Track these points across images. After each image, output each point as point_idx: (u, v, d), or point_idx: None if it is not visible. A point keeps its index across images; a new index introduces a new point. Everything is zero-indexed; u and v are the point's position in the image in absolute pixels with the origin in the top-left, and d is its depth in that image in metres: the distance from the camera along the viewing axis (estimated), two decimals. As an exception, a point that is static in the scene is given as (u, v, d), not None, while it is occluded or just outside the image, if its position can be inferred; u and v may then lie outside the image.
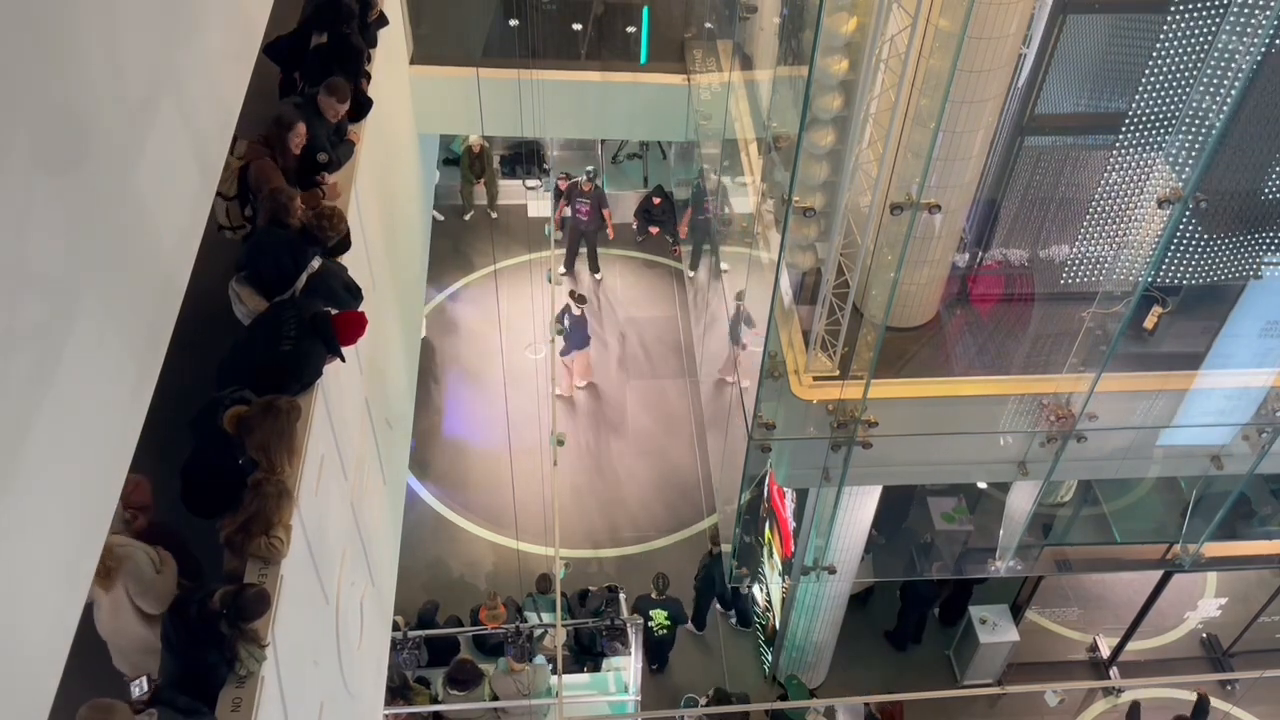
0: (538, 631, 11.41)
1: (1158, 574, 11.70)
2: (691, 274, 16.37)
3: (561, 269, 16.78)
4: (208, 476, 5.21)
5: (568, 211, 16.46)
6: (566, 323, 14.51)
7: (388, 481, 8.46)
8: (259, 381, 5.45)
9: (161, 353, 4.54)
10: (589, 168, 16.30)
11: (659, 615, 11.86)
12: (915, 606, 12.61)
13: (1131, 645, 12.80)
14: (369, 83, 7.77)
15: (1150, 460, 9.74)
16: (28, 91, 3.47)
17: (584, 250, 16.89)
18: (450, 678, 10.81)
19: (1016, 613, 12.42)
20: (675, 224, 16.82)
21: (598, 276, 17.02)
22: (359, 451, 7.17)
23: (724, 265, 12.10)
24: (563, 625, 10.84)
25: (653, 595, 11.91)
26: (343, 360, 5.99)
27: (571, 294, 14.76)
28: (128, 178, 4.28)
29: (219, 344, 5.78)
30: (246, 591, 4.65)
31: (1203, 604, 13.08)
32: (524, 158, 17.86)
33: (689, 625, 12.71)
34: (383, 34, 8.50)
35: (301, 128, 6.48)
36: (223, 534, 5.03)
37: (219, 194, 6.29)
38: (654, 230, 17.06)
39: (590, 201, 16.00)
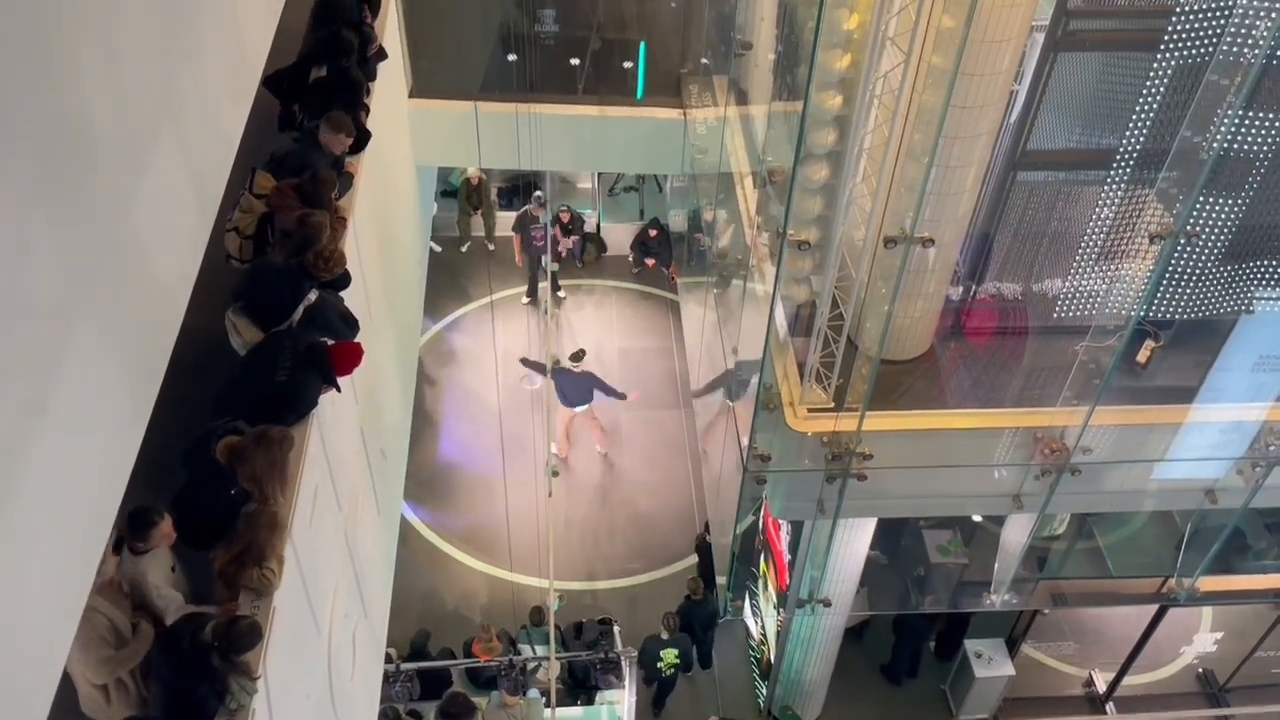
0: (531, 664, 11.33)
1: (1153, 608, 11.67)
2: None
3: (525, 298, 16.84)
4: (200, 507, 5.20)
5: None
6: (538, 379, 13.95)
7: (382, 512, 8.44)
8: (255, 412, 5.46)
9: (157, 383, 4.55)
10: (537, 193, 16.35)
11: (669, 655, 11.75)
12: (908, 640, 12.55)
13: (1127, 680, 12.73)
14: (368, 115, 7.84)
15: (1144, 494, 9.74)
16: (29, 121, 3.51)
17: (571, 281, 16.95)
18: (443, 711, 10.70)
19: (1012, 646, 12.37)
20: (671, 256, 16.91)
21: (525, 301, 16.82)
22: (353, 482, 7.15)
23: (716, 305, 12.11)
24: (556, 658, 10.77)
25: (663, 635, 11.81)
26: (338, 391, 6.00)
27: (574, 354, 14.21)
28: (127, 208, 4.32)
29: (215, 375, 5.79)
30: (238, 624, 4.63)
31: (1199, 639, 13.02)
32: (521, 190, 17.96)
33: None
34: (382, 67, 8.58)
35: (333, 177, 6.57)
36: (215, 565, 5.01)
37: (237, 230, 6.32)
38: (650, 262, 17.14)
39: (542, 227, 16.07)
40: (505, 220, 17.94)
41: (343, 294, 6.46)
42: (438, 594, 13.38)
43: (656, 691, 12.27)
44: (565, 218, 16.74)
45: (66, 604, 3.77)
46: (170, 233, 4.84)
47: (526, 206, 16.13)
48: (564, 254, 17.17)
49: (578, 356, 13.84)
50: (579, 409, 14.21)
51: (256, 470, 5.09)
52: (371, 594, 7.69)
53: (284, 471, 5.21)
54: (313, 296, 6.06)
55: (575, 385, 13.93)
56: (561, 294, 16.92)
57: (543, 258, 16.16)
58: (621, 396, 14.09)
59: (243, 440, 5.17)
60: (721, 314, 11.82)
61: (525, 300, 16.84)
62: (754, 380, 8.92)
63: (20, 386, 3.43)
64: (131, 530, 4.81)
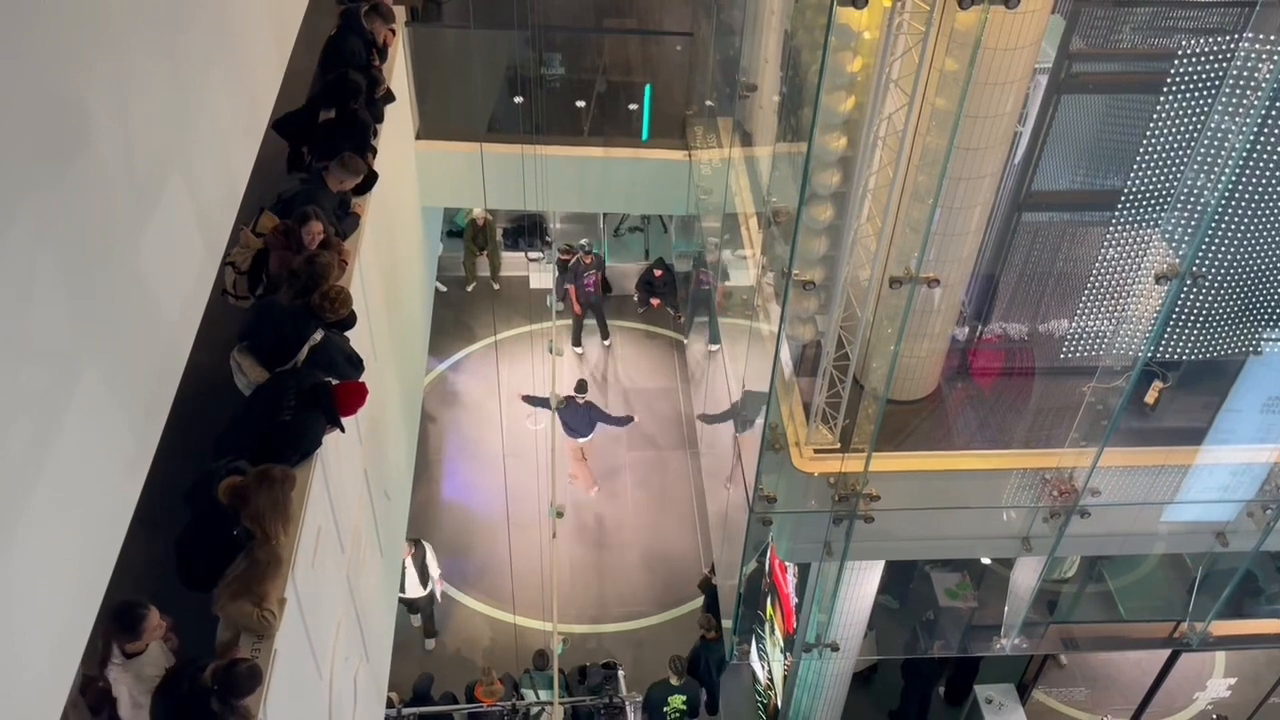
0: (535, 709, 11.19)
1: (1165, 653, 11.51)
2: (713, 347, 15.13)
3: (579, 348, 16.95)
4: (202, 548, 5.15)
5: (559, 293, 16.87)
6: (543, 419, 13.97)
7: (384, 554, 8.37)
8: (258, 451, 5.43)
9: (160, 424, 4.54)
10: (583, 240, 16.49)
11: (676, 700, 11.56)
12: (917, 685, 12.37)
13: (1141, 727, 12.54)
14: (375, 157, 7.89)
15: (1155, 536, 9.64)
16: (37, 165, 3.52)
17: (589, 322, 17.02)
18: (444, 757, 10.58)
19: (1023, 692, 12.18)
20: (676, 295, 16.94)
21: (607, 343, 17.11)
22: (356, 523, 7.10)
23: (712, 347, 12.09)
24: (560, 703, 10.64)
25: (671, 681, 11.63)
26: (342, 431, 5.97)
27: (578, 384, 14.30)
28: (132, 251, 4.33)
29: (218, 415, 5.77)
30: (237, 667, 4.56)
31: (1212, 684, 12.82)
32: (526, 230, 18.06)
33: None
34: (389, 110, 8.66)
35: (316, 226, 6.55)
36: (215, 597, 4.94)
37: (232, 265, 6.34)
38: (655, 302, 17.17)
39: (594, 272, 16.18)
40: (510, 260, 18.05)
41: (348, 334, 6.46)
42: (439, 637, 13.24)
43: None
44: (589, 260, 16.80)
45: (65, 648, 3.73)
46: (176, 275, 4.85)
47: (577, 254, 16.35)
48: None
49: (581, 388, 13.95)
50: (583, 440, 14.22)
51: (259, 509, 5.05)
52: (373, 636, 7.61)
53: (287, 511, 5.17)
54: (318, 336, 6.06)
55: (578, 417, 14.03)
56: (580, 350, 17.06)
57: (549, 296, 16.24)
58: (627, 420, 14.29)
59: (245, 479, 5.14)
60: (727, 354, 11.80)
61: (579, 351, 16.97)
62: (759, 420, 8.87)
63: (24, 427, 3.41)
64: (121, 628, 4.54)
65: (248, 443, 5.52)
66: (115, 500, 4.13)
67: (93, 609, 3.94)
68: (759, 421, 8.82)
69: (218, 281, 5.56)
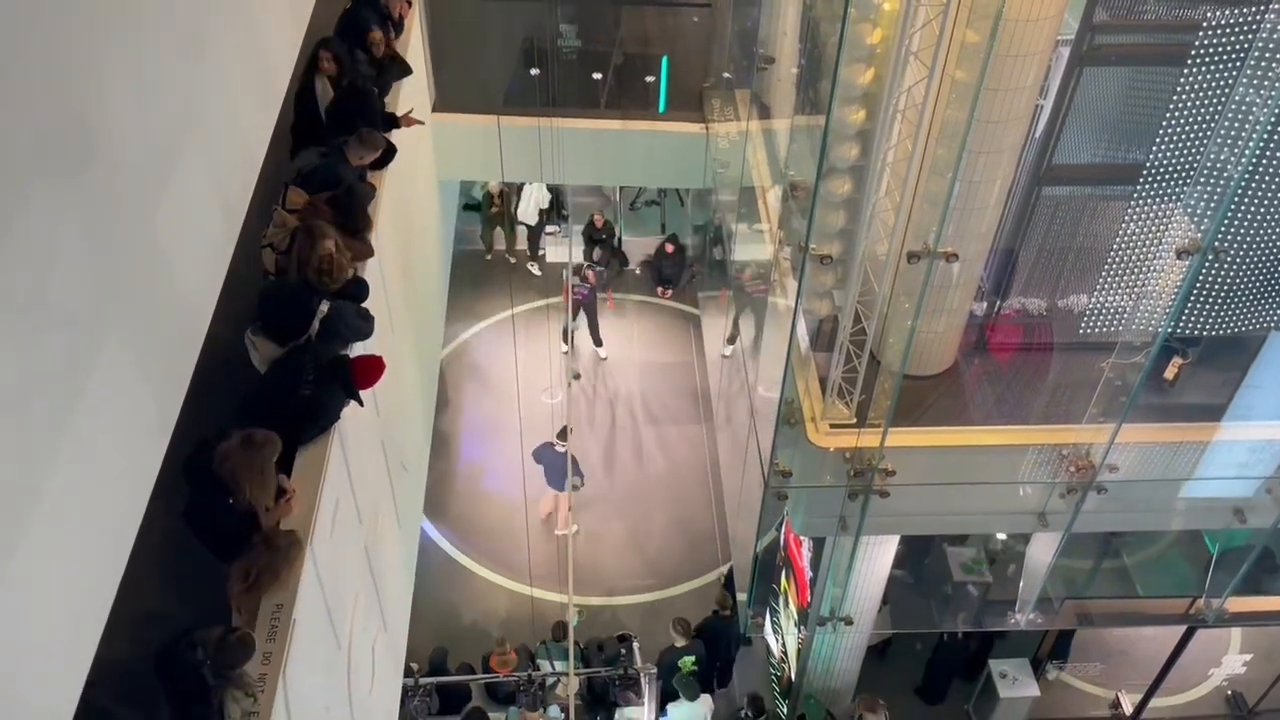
0: (550, 680, 11.29)
1: (1181, 629, 11.50)
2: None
3: (564, 347, 16.06)
4: (206, 519, 5.15)
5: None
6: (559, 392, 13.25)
7: (402, 525, 8.44)
8: (277, 425, 5.45)
9: (182, 394, 4.57)
10: (584, 265, 16.09)
11: (686, 662, 11.62)
12: (947, 664, 12.35)
13: (1155, 702, 12.53)
14: (393, 127, 7.88)
15: (1172, 513, 9.62)
16: (57, 138, 3.54)
17: (583, 325, 16.37)
18: (461, 726, 10.69)
19: (1037, 667, 12.21)
20: (684, 274, 16.88)
21: (603, 354, 16.39)
22: (374, 495, 7.16)
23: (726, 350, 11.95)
24: (575, 674, 10.73)
25: (677, 644, 11.67)
26: (360, 404, 6.00)
27: (560, 432, 13.11)
28: (152, 222, 4.35)
29: (237, 387, 5.81)
30: (228, 638, 4.52)
31: (1227, 660, 12.81)
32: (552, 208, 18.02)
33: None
34: (406, 82, 8.64)
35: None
36: (232, 591, 4.94)
37: (272, 246, 6.34)
38: (666, 294, 17.03)
39: (588, 287, 15.68)
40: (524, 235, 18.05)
41: (365, 305, 6.46)
42: (457, 608, 13.36)
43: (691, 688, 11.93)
44: (599, 222, 16.71)
45: (89, 613, 3.78)
46: (196, 245, 4.88)
47: (583, 266, 15.86)
48: (611, 305, 17.02)
49: (562, 435, 13.07)
50: (562, 493, 13.50)
51: (234, 470, 4.98)
52: (391, 607, 7.69)
53: (264, 474, 5.04)
54: (324, 308, 6.05)
55: (555, 466, 13.30)
56: (603, 353, 16.51)
57: (564, 271, 16.16)
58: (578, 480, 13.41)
59: (229, 444, 5.09)
60: (743, 329, 11.80)
61: (564, 350, 16.00)
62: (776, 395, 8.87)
63: (48, 396, 3.45)
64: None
65: (267, 417, 5.53)
66: (138, 470, 4.17)
67: (114, 580, 3.98)
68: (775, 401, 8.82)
69: (238, 256, 5.57)
